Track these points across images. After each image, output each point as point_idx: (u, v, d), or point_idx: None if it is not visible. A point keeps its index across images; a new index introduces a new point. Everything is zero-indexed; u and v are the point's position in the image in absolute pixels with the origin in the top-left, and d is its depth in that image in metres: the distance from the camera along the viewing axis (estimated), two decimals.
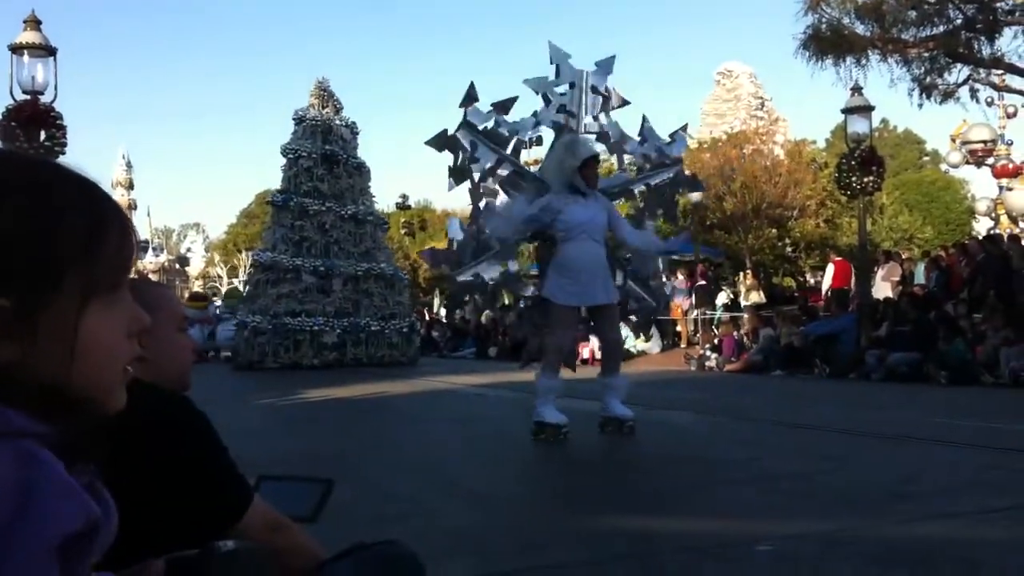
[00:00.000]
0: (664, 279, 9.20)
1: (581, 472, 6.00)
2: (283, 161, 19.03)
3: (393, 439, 7.60)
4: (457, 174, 7.87)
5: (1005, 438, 6.61)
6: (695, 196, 20.77)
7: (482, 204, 7.92)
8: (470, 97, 7.77)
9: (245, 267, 42.43)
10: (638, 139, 8.11)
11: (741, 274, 25.42)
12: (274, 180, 19.89)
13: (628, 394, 7.45)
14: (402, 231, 38.84)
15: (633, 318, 8.78)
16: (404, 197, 39.72)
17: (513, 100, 7.89)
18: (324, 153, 18.87)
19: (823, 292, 19.58)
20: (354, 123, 19.86)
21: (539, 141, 8.44)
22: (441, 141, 7.82)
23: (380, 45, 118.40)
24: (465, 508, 4.60)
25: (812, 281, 25.35)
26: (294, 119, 19.27)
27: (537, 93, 7.92)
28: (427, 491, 5.07)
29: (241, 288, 36.30)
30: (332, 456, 6.25)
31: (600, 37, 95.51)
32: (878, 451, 6.35)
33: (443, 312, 30.07)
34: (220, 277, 54.10)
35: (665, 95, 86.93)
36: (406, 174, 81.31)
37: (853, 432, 7.21)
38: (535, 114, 7.94)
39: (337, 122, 19.44)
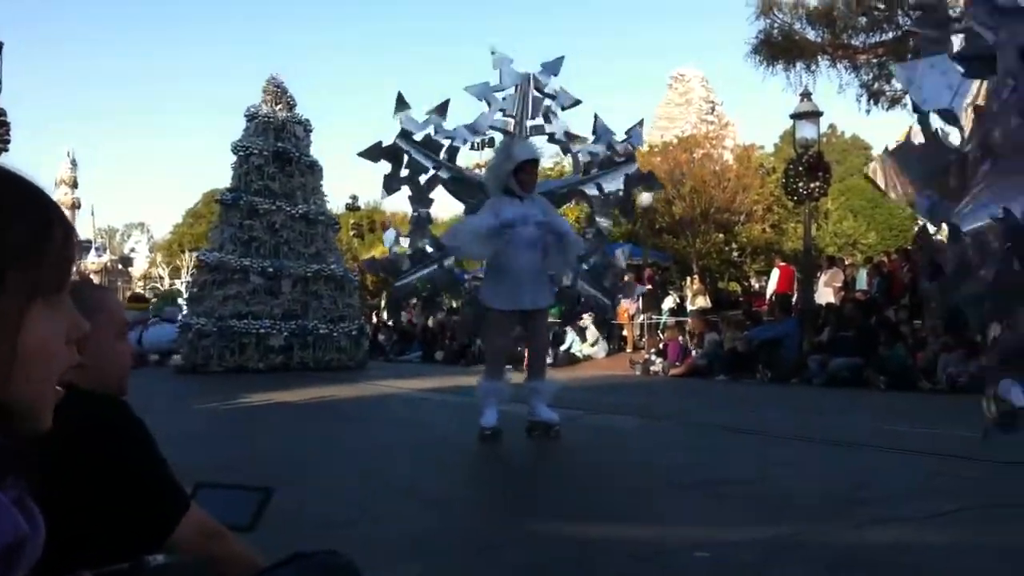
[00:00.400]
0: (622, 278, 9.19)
1: (526, 477, 6.02)
2: (233, 159, 18.80)
3: (340, 444, 7.55)
4: (388, 184, 7.86)
5: (946, 443, 6.73)
6: (646, 198, 20.89)
7: (421, 211, 7.94)
8: (401, 103, 7.77)
9: (188, 268, 41.93)
10: (591, 137, 8.13)
11: (688, 278, 25.65)
12: (222, 179, 19.63)
13: (555, 398, 7.51)
14: (351, 233, 38.58)
15: (582, 321, 8.81)
16: (354, 198, 39.37)
17: (447, 103, 7.88)
18: (276, 151, 18.63)
19: (767, 297, 19.82)
20: (307, 120, 19.64)
21: (491, 143, 8.44)
22: (375, 152, 7.80)
23: (335, 43, 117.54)
24: (412, 513, 4.59)
25: (757, 286, 25.68)
26: (246, 116, 19.00)
27: (479, 99, 7.91)
28: (374, 496, 5.05)
29: (183, 289, 35.85)
30: (277, 461, 6.19)
31: (553, 40, 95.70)
32: (822, 456, 6.43)
33: (384, 315, 29.88)
34: (162, 278, 53.47)
35: (619, 99, 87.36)
36: (357, 175, 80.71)
37: (797, 437, 7.30)
38: (476, 119, 7.94)
39: (290, 119, 19.22)
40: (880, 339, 13.33)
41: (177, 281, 49.54)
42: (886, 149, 3.57)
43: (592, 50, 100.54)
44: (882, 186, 3.51)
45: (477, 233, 7.12)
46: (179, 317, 19.63)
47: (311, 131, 19.67)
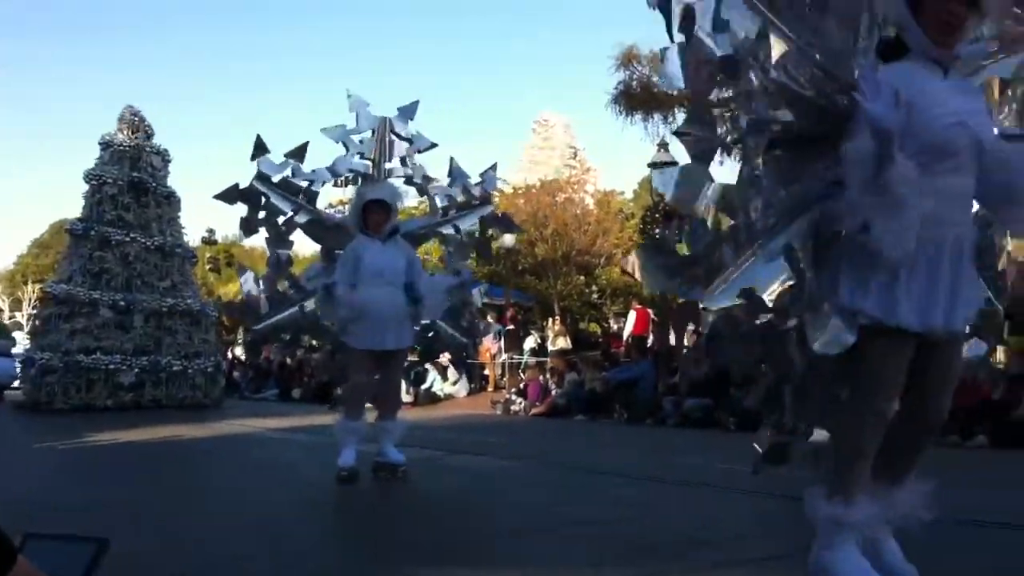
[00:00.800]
0: (480, 317, 9.29)
1: (383, 519, 5.93)
2: (85, 188, 18.07)
3: (190, 486, 7.31)
4: (246, 226, 7.81)
5: (787, 484, 6.96)
6: (509, 239, 21.22)
7: (280, 254, 7.87)
8: (259, 148, 7.76)
9: (31, 300, 40.10)
10: (447, 180, 8.25)
11: (549, 319, 25.97)
12: (72, 209, 18.83)
13: (407, 437, 7.48)
14: (207, 267, 37.60)
15: (442, 359, 8.85)
16: (211, 231, 38.45)
17: (305, 145, 7.92)
18: (132, 180, 17.97)
19: (624, 339, 20.23)
20: (166, 151, 19.05)
21: (354, 180, 8.44)
22: (232, 195, 7.75)
23: (196, 73, 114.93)
24: (265, 557, 4.47)
25: (616, 327, 26.19)
26: (100, 144, 18.31)
27: (337, 142, 7.99)
28: (226, 541, 4.91)
29: (23, 322, 34.24)
30: (121, 505, 5.94)
31: (419, 79, 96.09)
32: (674, 497, 6.58)
33: (239, 351, 29.12)
34: (1, 310, 51.11)
35: (486, 140, 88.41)
36: (215, 207, 78.39)
37: (651, 478, 7.46)
38: (334, 162, 8.00)
39: (148, 149, 18.61)
40: (730, 380, 13.73)
41: (18, 313, 47.35)
42: (639, 245, 4.08)
43: (460, 90, 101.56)
44: (638, 278, 3.94)
45: (337, 312, 7.09)
46: (11, 350, 18.66)
47: (169, 161, 19.09)
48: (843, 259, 3.25)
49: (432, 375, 18.99)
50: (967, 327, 3.41)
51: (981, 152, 3.17)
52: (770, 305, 3.63)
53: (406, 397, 18.34)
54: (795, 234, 3.49)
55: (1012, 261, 4.49)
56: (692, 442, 11.30)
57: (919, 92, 3.11)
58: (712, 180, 3.80)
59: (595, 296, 30.71)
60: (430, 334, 7.93)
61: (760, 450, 4.16)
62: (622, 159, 63.18)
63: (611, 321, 28.99)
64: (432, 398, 18.97)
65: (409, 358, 8.41)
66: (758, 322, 3.67)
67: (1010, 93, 3.77)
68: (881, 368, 3.22)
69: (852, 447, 3.32)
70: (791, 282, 3.59)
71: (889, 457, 3.37)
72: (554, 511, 5.86)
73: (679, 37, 3.75)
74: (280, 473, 8.09)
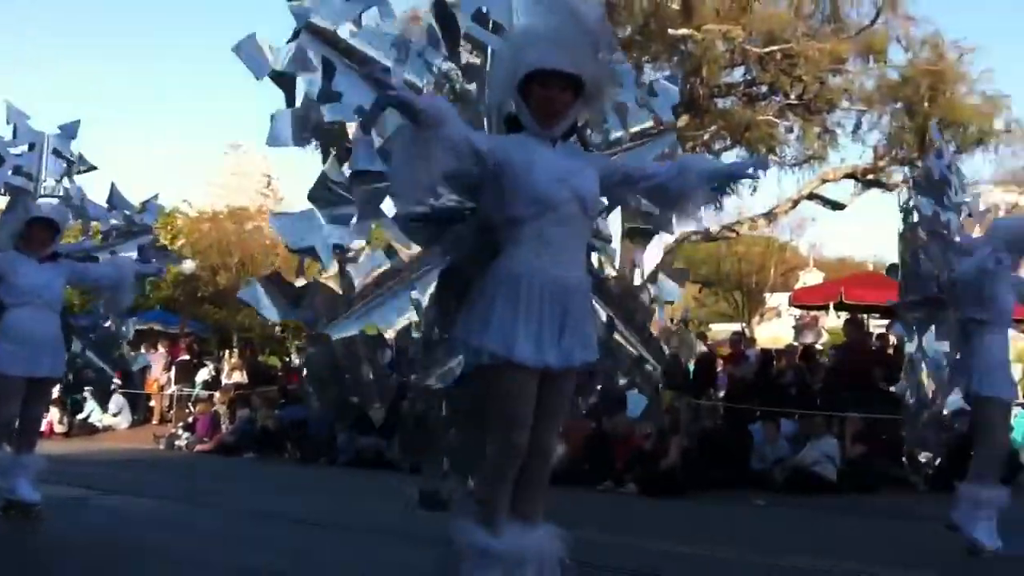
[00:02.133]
0: (132, 349, 8.85)
1: (13, 567, 5.37)
2: None
3: None
4: None
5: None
6: (188, 265, 20.58)
7: None
8: None
9: None
10: (106, 205, 7.85)
11: (227, 351, 25.12)
12: None
13: (41, 474, 6.86)
14: None
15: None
16: None
17: None
18: None
19: (302, 374, 19.84)
20: None
21: (5, 194, 7.86)
22: None
23: None
24: None
25: (297, 362, 25.71)
26: None
27: None
28: None
29: None
30: None
31: (117, 92, 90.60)
32: (340, 544, 6.43)
33: None
34: None
35: (186, 161, 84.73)
36: None
37: (318, 523, 7.23)
38: None
39: None
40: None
41: None
42: (260, 278, 4.33)
43: (155, 104, 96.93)
44: (259, 310, 4.17)
45: None
46: None
47: None
48: (468, 302, 3.62)
49: (91, 404, 17.68)
50: (588, 365, 3.70)
51: (585, 205, 3.59)
52: (390, 342, 4.00)
53: (59, 427, 17.02)
54: (425, 281, 3.92)
55: (664, 328, 4.89)
56: (365, 484, 11.17)
57: (528, 157, 3.53)
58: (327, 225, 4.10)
59: (278, 329, 30.07)
60: (77, 362, 7.41)
61: (413, 493, 4.36)
62: None
63: (293, 355, 28.50)
64: (89, 429, 17.69)
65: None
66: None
67: None
68: (510, 402, 3.48)
69: (492, 478, 3.56)
70: (415, 321, 3.98)
71: (515, 490, 3.59)
72: (208, 560, 5.58)
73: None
74: None
